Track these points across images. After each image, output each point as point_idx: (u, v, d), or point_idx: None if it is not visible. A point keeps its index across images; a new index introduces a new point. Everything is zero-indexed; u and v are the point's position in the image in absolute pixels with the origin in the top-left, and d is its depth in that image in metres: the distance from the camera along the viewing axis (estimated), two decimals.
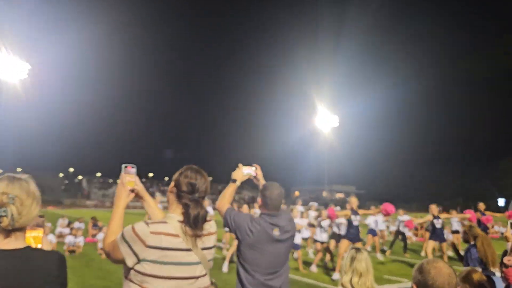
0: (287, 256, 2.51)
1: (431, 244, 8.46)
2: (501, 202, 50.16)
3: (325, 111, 57.27)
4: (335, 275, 7.07)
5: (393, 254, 10.45)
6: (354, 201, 7.53)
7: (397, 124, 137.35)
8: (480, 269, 3.27)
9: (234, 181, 2.59)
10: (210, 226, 1.69)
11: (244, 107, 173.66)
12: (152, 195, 11.24)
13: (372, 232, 10.22)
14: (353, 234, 7.18)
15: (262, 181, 2.65)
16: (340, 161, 72.42)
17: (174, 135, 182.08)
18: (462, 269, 2.58)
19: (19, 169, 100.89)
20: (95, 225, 12.34)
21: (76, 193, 64.30)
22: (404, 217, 11.02)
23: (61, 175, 71.15)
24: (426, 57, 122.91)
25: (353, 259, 2.42)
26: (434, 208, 8.39)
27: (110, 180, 66.61)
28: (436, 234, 8.30)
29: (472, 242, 4.13)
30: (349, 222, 7.30)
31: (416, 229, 14.57)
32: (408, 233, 12.27)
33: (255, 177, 2.67)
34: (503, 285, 1.95)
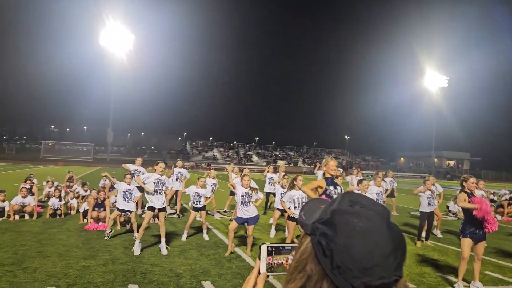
0: None
1: None
2: None
3: (433, 71, 59.02)
4: None
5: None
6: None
7: None
8: None
9: None
10: None
11: (348, 66, 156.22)
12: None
13: None
14: None
15: None
16: (450, 125, 66.87)
17: (282, 98, 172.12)
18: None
19: (142, 133, 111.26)
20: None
21: (179, 155, 67.99)
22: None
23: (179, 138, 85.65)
24: None
25: None
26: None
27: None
28: None
29: None
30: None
31: (501, 206, 12.04)
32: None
33: None
34: None
